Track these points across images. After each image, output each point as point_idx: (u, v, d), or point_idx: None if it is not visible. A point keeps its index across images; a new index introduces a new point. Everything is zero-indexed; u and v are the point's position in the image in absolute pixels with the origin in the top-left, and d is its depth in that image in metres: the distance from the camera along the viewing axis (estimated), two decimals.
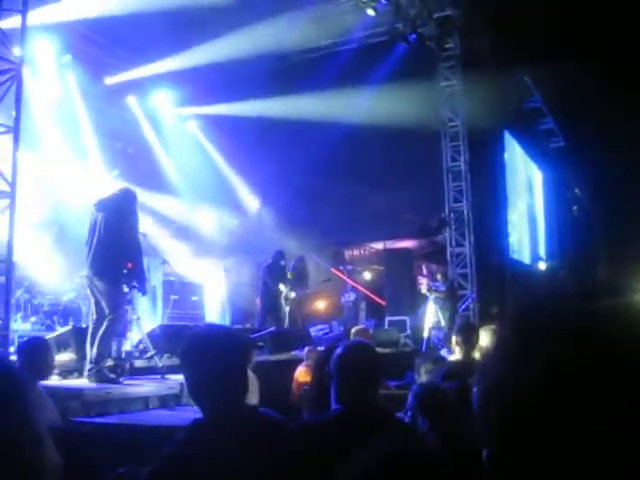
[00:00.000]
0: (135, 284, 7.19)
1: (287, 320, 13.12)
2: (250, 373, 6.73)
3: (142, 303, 14.40)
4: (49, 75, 13.74)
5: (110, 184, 8.74)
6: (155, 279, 12.87)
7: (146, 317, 13.11)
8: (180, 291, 13.92)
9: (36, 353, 5.08)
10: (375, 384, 3.02)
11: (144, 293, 7.75)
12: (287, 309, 13.21)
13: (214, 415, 2.53)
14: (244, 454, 2.38)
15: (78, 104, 14.51)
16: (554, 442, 0.77)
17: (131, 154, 15.97)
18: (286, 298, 13.18)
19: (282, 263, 13.38)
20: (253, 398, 6.63)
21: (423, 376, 4.76)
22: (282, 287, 13.12)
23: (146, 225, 10.98)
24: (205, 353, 2.56)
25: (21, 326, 10.68)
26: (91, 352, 6.55)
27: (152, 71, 15.10)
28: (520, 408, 0.80)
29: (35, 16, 9.94)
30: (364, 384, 2.92)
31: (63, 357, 7.39)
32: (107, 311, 6.74)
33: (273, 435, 2.54)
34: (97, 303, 6.92)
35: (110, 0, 12.36)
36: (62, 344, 7.83)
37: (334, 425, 2.80)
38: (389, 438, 1.67)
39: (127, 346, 9.01)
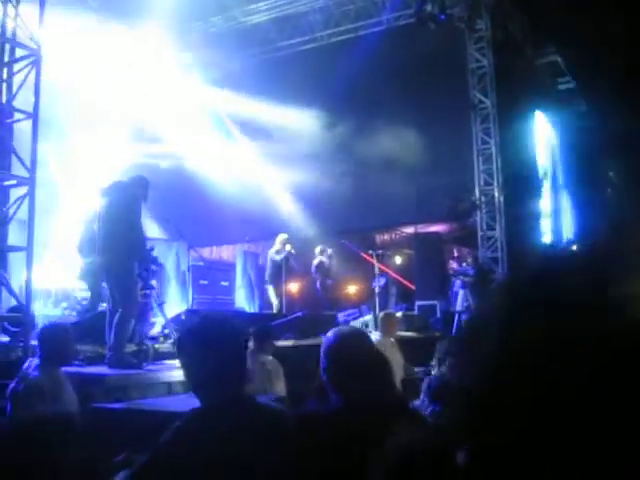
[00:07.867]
0: (147, 269, 7.20)
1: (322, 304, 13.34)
2: (273, 359, 6.76)
3: (172, 288, 14.56)
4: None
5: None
6: (184, 264, 12.93)
7: (176, 302, 13.23)
8: (209, 276, 13.99)
9: (56, 339, 5.11)
10: (375, 373, 2.81)
11: (150, 278, 7.71)
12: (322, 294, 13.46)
13: (212, 404, 2.52)
14: (241, 443, 2.37)
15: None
16: (542, 409, 0.75)
17: None
18: (322, 285, 13.34)
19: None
20: (279, 384, 6.63)
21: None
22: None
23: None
24: (203, 342, 2.55)
25: (52, 311, 10.84)
26: (109, 338, 6.58)
27: None
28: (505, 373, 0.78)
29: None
30: (362, 374, 2.74)
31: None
32: (120, 296, 6.72)
33: (271, 425, 2.52)
34: (110, 289, 6.94)
35: None
36: (88, 329, 7.90)
37: (334, 418, 2.72)
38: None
39: (155, 331, 9.08)
